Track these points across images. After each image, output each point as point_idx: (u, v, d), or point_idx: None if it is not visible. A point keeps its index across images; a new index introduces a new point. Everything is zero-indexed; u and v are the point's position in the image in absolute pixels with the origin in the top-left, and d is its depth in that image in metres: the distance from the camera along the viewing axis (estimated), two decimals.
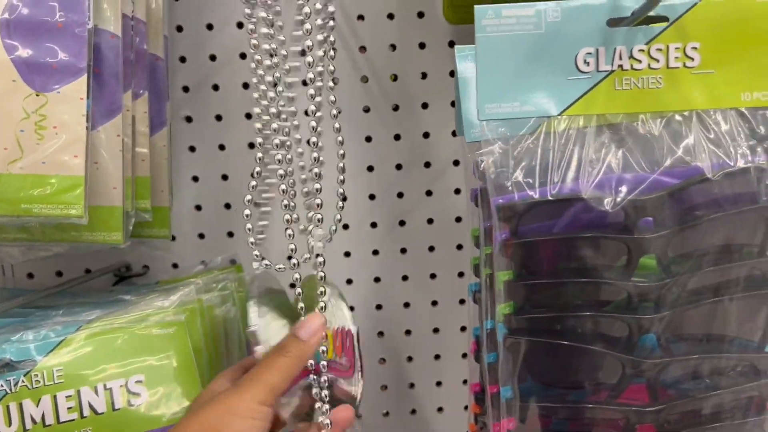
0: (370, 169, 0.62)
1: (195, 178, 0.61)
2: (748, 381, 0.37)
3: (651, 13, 0.35)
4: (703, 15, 0.36)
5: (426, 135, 0.62)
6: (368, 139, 0.62)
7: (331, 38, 0.47)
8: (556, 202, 0.36)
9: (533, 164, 0.36)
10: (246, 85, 0.60)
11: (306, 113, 0.46)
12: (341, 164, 0.49)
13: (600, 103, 0.36)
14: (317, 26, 0.44)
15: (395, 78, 0.61)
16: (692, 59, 0.36)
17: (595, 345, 0.37)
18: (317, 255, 0.48)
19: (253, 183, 0.47)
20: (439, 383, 0.66)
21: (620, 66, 0.36)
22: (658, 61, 0.36)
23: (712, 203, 0.36)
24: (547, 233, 0.37)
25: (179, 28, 0.59)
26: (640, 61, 0.36)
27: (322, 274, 0.48)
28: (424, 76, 0.61)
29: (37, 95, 0.41)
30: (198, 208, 0.62)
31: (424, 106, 0.61)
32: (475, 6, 0.36)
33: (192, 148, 0.61)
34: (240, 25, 0.60)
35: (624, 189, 0.35)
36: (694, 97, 0.36)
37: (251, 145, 0.61)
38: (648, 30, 0.36)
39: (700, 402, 0.37)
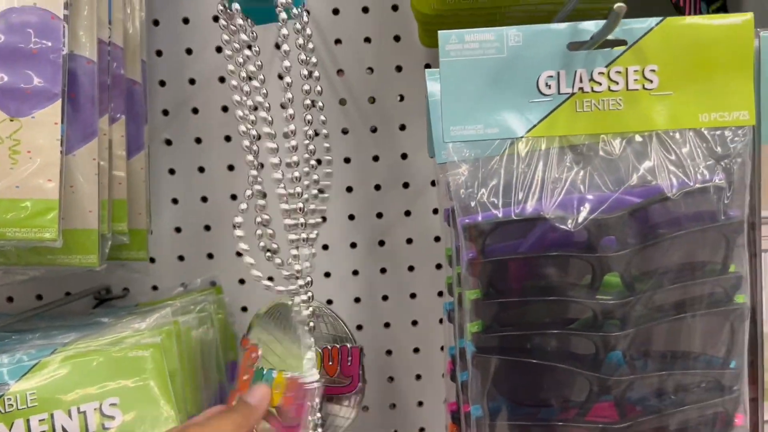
0: (349, 190, 0.63)
1: (174, 201, 0.62)
2: (714, 397, 0.38)
3: (610, 37, 0.36)
4: (661, 39, 0.37)
5: (404, 156, 0.62)
6: (347, 160, 0.62)
7: (314, 59, 0.48)
8: (521, 222, 0.36)
9: (497, 185, 0.37)
10: (225, 108, 0.61)
11: (285, 135, 0.46)
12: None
13: (562, 124, 0.37)
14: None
15: (373, 100, 0.62)
16: (651, 81, 0.37)
17: (562, 363, 0.37)
18: (299, 275, 0.49)
19: (262, 202, 0.46)
20: (420, 403, 0.66)
21: (581, 88, 0.37)
22: (617, 83, 0.37)
23: (673, 221, 0.37)
24: (512, 252, 0.37)
25: (159, 53, 0.60)
26: (600, 84, 0.37)
27: (310, 293, 0.48)
28: (401, 98, 0.62)
29: (11, 120, 0.42)
30: (178, 230, 0.62)
31: (402, 127, 0.62)
32: (438, 31, 0.37)
33: (171, 171, 0.62)
34: (219, 50, 0.60)
35: (586, 208, 0.36)
36: (654, 118, 0.37)
37: (231, 167, 0.62)
38: (607, 53, 0.37)
39: (667, 418, 0.37)
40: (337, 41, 0.61)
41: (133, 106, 0.53)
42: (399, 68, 0.61)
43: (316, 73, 0.47)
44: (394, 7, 0.60)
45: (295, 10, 0.46)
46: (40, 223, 0.42)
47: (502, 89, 0.37)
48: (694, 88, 0.37)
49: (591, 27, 0.37)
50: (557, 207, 0.36)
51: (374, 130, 0.62)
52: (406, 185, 0.63)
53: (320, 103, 0.49)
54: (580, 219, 0.36)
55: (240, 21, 0.43)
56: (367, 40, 0.61)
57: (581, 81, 0.37)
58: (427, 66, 0.61)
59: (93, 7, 0.46)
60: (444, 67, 0.37)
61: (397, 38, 0.61)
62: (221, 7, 0.45)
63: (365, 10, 0.60)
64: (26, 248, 0.46)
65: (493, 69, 0.37)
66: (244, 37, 0.43)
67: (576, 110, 0.37)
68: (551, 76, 0.37)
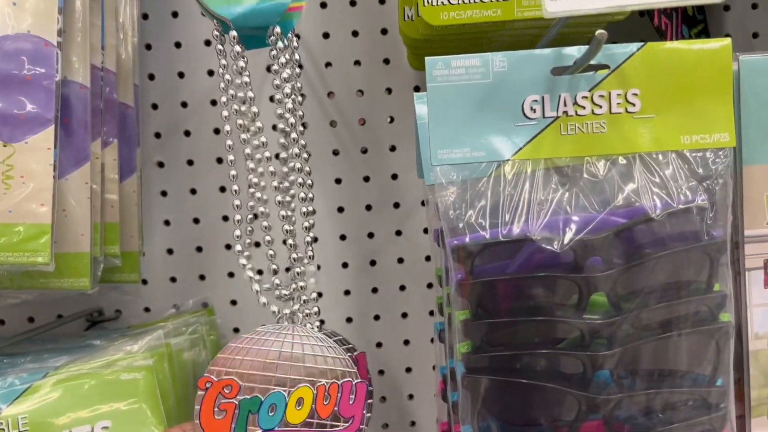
0: (341, 210, 0.63)
1: (167, 222, 0.62)
2: (701, 414, 0.38)
3: (592, 62, 0.37)
4: (642, 63, 0.37)
5: (394, 176, 0.63)
6: (338, 181, 0.63)
7: (298, 84, 0.49)
8: (508, 243, 0.37)
9: (485, 206, 0.37)
10: (217, 131, 0.62)
11: (276, 157, 0.47)
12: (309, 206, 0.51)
13: (547, 147, 0.37)
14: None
15: (363, 122, 0.62)
16: (633, 105, 0.38)
17: (551, 382, 0.38)
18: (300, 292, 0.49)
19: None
20: (413, 423, 0.66)
21: (565, 112, 0.37)
22: (600, 107, 0.37)
23: (658, 242, 0.37)
24: (500, 273, 0.38)
25: (151, 77, 0.61)
26: (583, 108, 0.37)
27: (316, 309, 0.49)
28: (391, 119, 0.62)
29: (4, 146, 0.42)
30: (170, 251, 0.62)
31: (392, 148, 0.63)
32: (425, 57, 0.37)
33: (164, 193, 0.62)
34: (210, 73, 0.61)
35: (572, 229, 0.36)
36: (637, 141, 0.38)
37: (222, 189, 0.62)
38: (590, 78, 0.38)
39: None
40: (328, 64, 0.62)
41: (125, 130, 0.53)
42: (389, 90, 0.62)
43: (299, 98, 0.48)
44: (383, 31, 0.61)
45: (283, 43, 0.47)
46: (32, 247, 0.42)
47: (488, 113, 0.37)
48: (675, 111, 0.38)
49: (574, 52, 0.37)
50: (543, 228, 0.37)
51: (365, 151, 0.63)
52: (396, 205, 0.63)
53: (301, 128, 0.50)
54: (566, 240, 0.36)
55: (237, 48, 0.44)
56: (357, 63, 0.62)
57: (565, 105, 0.37)
58: (416, 88, 0.62)
59: (86, 34, 0.46)
60: (431, 92, 0.38)
61: (386, 61, 0.62)
62: (216, 33, 0.45)
63: (355, 33, 0.61)
64: (18, 272, 0.46)
65: (479, 94, 0.37)
66: (241, 63, 0.44)
67: (561, 133, 0.38)
68: (536, 101, 0.37)
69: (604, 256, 0.37)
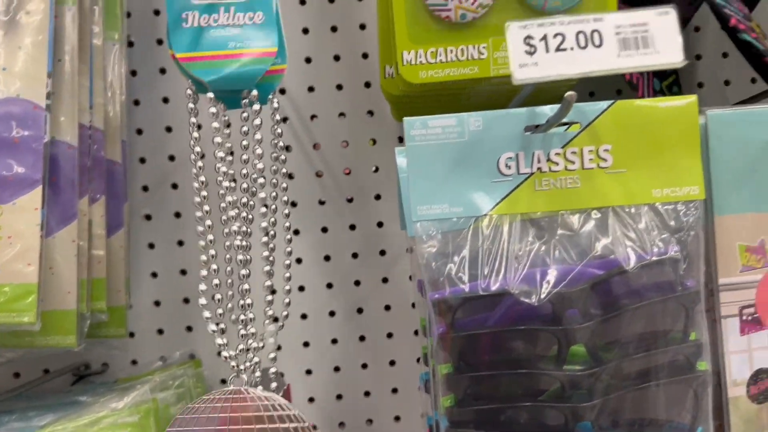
0: (327, 258, 0.64)
1: (154, 274, 0.63)
2: None
3: (564, 120, 0.38)
4: (612, 120, 0.39)
5: (380, 224, 0.64)
6: (324, 229, 0.64)
7: (281, 143, 0.50)
8: (487, 297, 0.38)
9: (464, 260, 0.38)
10: (204, 183, 0.62)
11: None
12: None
13: (523, 202, 0.39)
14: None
15: (349, 172, 0.64)
16: (605, 160, 0.39)
17: None
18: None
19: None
20: None
21: (539, 168, 0.39)
22: (573, 162, 0.39)
23: (633, 293, 0.38)
24: (480, 326, 0.38)
25: (139, 131, 0.62)
26: (557, 164, 0.39)
27: (274, 369, 0.49)
28: (376, 169, 0.64)
29: None
30: (157, 303, 0.63)
31: (377, 197, 0.64)
32: (404, 118, 0.39)
33: (151, 245, 0.62)
34: (199, 127, 0.62)
35: (549, 282, 0.37)
36: (610, 195, 0.39)
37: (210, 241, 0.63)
38: (563, 135, 0.39)
39: None
40: (313, 116, 0.63)
41: (113, 186, 0.54)
42: (374, 141, 0.63)
43: (283, 156, 0.49)
44: (367, 84, 0.63)
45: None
46: (18, 307, 0.43)
47: (465, 170, 0.39)
48: (646, 166, 0.39)
49: (547, 111, 0.39)
50: (521, 281, 0.37)
51: (350, 200, 0.64)
52: (382, 253, 0.64)
53: (284, 184, 0.51)
54: (544, 293, 0.37)
55: (213, 109, 0.45)
56: (342, 114, 0.63)
57: (539, 161, 0.39)
58: (400, 139, 0.63)
59: (74, 95, 0.47)
60: (410, 151, 0.39)
61: (370, 113, 0.63)
62: (189, 92, 0.47)
63: (339, 87, 0.63)
64: (5, 332, 0.46)
65: (456, 152, 0.39)
66: (215, 124, 0.45)
67: (535, 189, 0.39)
68: (511, 158, 0.39)
69: (581, 308, 0.37)
